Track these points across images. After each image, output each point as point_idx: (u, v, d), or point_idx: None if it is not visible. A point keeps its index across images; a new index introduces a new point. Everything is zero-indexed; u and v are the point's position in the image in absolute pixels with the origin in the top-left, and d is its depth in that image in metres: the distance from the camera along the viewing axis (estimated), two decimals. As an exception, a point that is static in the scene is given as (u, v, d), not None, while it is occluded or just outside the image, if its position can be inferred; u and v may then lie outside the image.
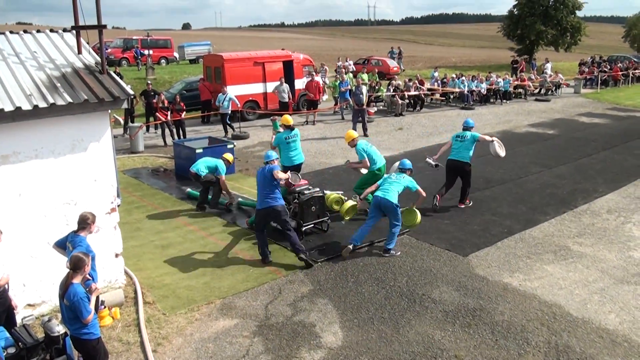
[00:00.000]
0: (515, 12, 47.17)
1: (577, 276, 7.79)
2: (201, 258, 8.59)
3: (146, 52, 33.27)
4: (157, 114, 17.16)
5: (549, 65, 32.91)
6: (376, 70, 27.56)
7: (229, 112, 18.44)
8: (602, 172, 13.45)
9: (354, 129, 17.82)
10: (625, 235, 9.32)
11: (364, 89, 18.34)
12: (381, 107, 23.88)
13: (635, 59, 42.89)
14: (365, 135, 17.81)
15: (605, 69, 34.65)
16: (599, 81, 32.14)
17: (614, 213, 10.45)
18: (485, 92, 25.66)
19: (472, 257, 8.44)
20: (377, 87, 23.04)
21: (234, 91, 19.10)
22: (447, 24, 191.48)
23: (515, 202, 11.08)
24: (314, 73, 21.35)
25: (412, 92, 23.32)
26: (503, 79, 26.92)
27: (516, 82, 28.00)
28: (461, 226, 9.77)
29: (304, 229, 9.14)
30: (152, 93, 18.37)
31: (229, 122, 18.50)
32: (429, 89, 25.29)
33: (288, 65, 22.08)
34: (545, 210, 10.62)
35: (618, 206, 10.85)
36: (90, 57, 7.58)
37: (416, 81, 24.52)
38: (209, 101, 20.19)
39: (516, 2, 46.91)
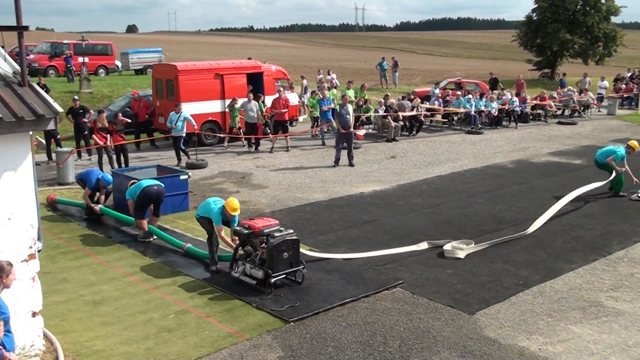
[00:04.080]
0: (535, 18, 48.27)
1: (613, 339, 7.87)
2: (144, 317, 8.49)
3: (80, 59, 33.33)
4: (94, 136, 17.12)
5: (587, 81, 33.61)
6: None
7: (184, 134, 18.51)
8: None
9: (338, 156, 18.01)
10: (673, 289, 9.45)
11: (350, 108, 18.58)
12: (370, 130, 24.17)
13: None
14: (351, 164, 17.96)
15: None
16: (640, 100, 32.81)
17: (658, 261, 10.63)
18: (496, 113, 26.14)
19: (480, 315, 8.48)
20: (365, 106, 23.34)
21: (189, 109, 19.20)
22: (450, 31, 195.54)
23: (533, 248, 11.21)
24: (282, 89, 21.44)
25: (408, 113, 23.67)
26: (521, 99, 27.48)
27: (534, 102, 28.60)
28: (467, 277, 9.83)
29: (273, 280, 9.11)
30: (81, 111, 18.35)
31: (183, 147, 18.52)
32: (428, 109, 25.70)
33: (257, 79, 22.31)
34: (571, 257, 10.75)
35: (663, 252, 11.04)
36: (6, 66, 7.58)
37: (417, 98, 24.90)
38: (146, 123, 20.31)
39: (535, 6, 48.07)
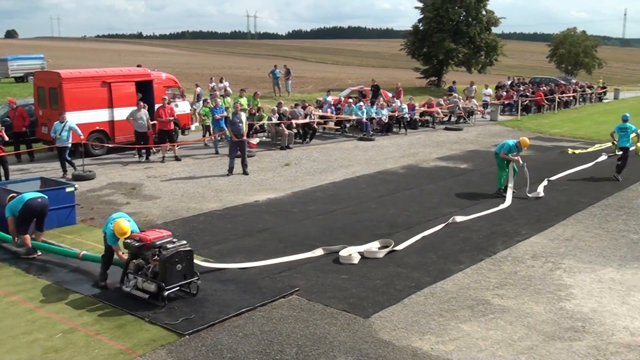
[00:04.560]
0: (421, 28, 50.14)
1: (500, 335, 8.22)
2: (28, 338, 8.05)
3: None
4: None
5: (473, 89, 35.28)
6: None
7: (69, 145, 17.81)
8: (525, 211, 14.47)
9: (232, 165, 17.89)
10: (555, 284, 10.00)
11: (243, 116, 18.52)
12: (264, 138, 24.19)
13: (562, 82, 47.14)
14: (245, 173, 17.89)
15: (527, 93, 37.68)
16: (520, 107, 34.82)
17: (540, 258, 11.22)
18: (386, 120, 26.86)
19: (375, 319, 8.65)
20: (258, 114, 23.34)
21: (75, 119, 18.47)
22: (341, 40, 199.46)
23: (424, 250, 11.57)
24: (166, 98, 20.94)
25: (301, 120, 23.88)
26: (409, 106, 28.37)
27: (422, 109, 29.61)
28: (361, 281, 10.01)
29: (166, 293, 8.90)
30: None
31: (68, 158, 17.83)
32: (321, 117, 26.03)
33: (146, 87, 21.80)
34: (459, 258, 11.18)
35: (545, 250, 11.67)
36: None
37: (310, 106, 25.15)
38: (24, 134, 19.48)
39: (422, 16, 49.89)
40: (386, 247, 11.53)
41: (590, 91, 46.13)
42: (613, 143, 19.34)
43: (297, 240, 12.07)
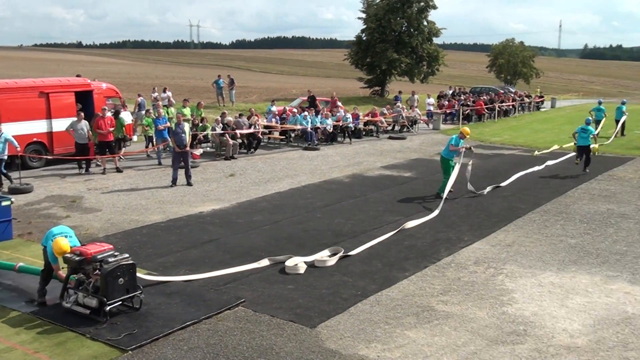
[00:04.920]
0: (364, 38, 50.76)
1: (444, 340, 8.34)
2: (-39, 359, 7.75)
3: None
4: None
5: (415, 98, 35.87)
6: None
7: (5, 157, 17.31)
8: (467, 218, 14.75)
9: (175, 176, 17.68)
10: (497, 289, 10.21)
11: (187, 126, 18.34)
12: (208, 148, 23.99)
13: (502, 91, 48.36)
14: (189, 184, 17.70)
15: (468, 102, 38.53)
16: (461, 116, 35.56)
17: (483, 264, 11.45)
18: (331, 130, 27.01)
19: (322, 328, 8.66)
20: (202, 125, 23.16)
21: (11, 130, 17.93)
22: (285, 49, 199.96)
23: (369, 258, 11.65)
24: (105, 108, 20.51)
25: (246, 130, 23.79)
26: (354, 115, 28.62)
27: (366, 118, 29.92)
28: (307, 291, 10.01)
29: (108, 308, 8.71)
30: None
31: (4, 171, 17.32)
32: (265, 127, 26.00)
33: (86, 97, 21.37)
34: (404, 265, 11.31)
35: (487, 256, 11.91)
36: None
37: (254, 116, 25.07)
38: None
39: (365, 27, 50.51)
40: (336, 254, 11.61)
41: (528, 100, 47.44)
42: (575, 143, 21.38)
43: (243, 251, 12.00)
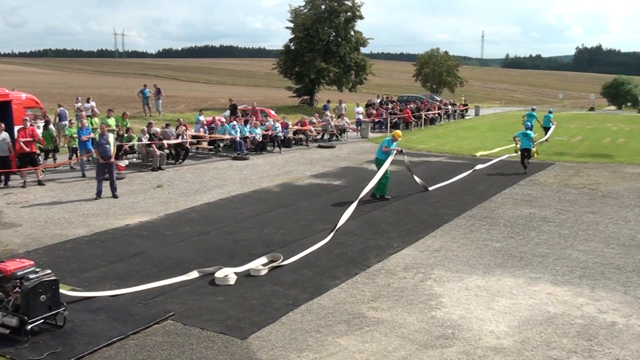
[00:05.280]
0: (292, 47, 51.03)
1: (375, 347, 8.40)
2: None
3: None
4: None
5: (343, 107, 36.28)
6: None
7: None
8: (396, 224, 14.96)
9: (100, 188, 17.25)
10: (426, 294, 10.38)
11: (111, 137, 17.93)
12: (134, 159, 23.52)
13: (428, 99, 49.52)
14: (115, 196, 17.30)
15: (395, 111, 39.24)
16: (389, 124, 36.17)
17: (412, 270, 11.62)
18: (260, 139, 26.96)
19: (253, 339, 8.59)
20: (128, 135, 22.70)
21: None
22: (213, 59, 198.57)
23: (300, 267, 11.64)
24: (27, 119, 19.84)
25: (173, 141, 23.46)
26: (283, 124, 28.68)
27: (296, 127, 30.03)
28: (238, 302, 9.92)
29: (30, 326, 8.38)
30: None
31: None
32: (194, 137, 25.71)
33: (4, 108, 20.60)
34: (335, 273, 11.36)
35: (415, 262, 12.10)
36: None
37: (182, 126, 24.73)
38: None
39: (293, 36, 50.77)
40: (274, 261, 11.65)
41: (453, 108, 48.72)
42: (515, 145, 24.04)
43: (171, 263, 11.79)
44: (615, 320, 9.28)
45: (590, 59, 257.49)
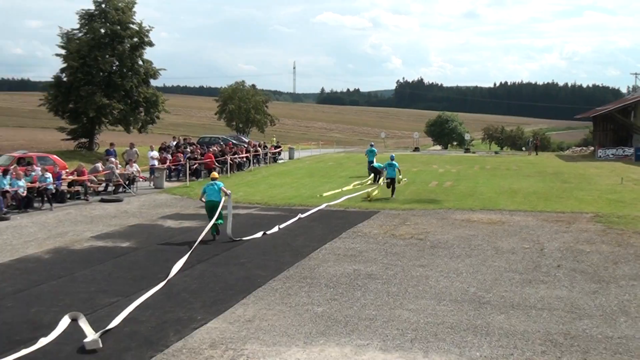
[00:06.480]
0: (65, 79, 49.25)
1: None
2: None
3: None
4: None
5: (134, 152, 35.59)
6: None
7: None
8: (200, 292, 14.76)
9: None
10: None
11: None
12: None
13: (233, 141, 49.97)
14: None
15: (196, 155, 39.18)
16: (188, 171, 36.00)
17: (220, 347, 11.45)
18: (25, 193, 25.67)
19: None
20: None
21: None
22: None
23: (77, 357, 11.06)
24: None
25: None
26: (54, 174, 27.49)
27: (71, 177, 28.94)
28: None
29: None
30: None
31: None
32: None
33: None
34: (123, 357, 10.91)
35: (224, 336, 11.95)
36: None
37: None
38: None
39: (65, 65, 48.99)
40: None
41: (264, 151, 49.73)
42: (385, 175, 31.05)
43: None
44: (452, 388, 9.80)
45: (412, 94, 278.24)
